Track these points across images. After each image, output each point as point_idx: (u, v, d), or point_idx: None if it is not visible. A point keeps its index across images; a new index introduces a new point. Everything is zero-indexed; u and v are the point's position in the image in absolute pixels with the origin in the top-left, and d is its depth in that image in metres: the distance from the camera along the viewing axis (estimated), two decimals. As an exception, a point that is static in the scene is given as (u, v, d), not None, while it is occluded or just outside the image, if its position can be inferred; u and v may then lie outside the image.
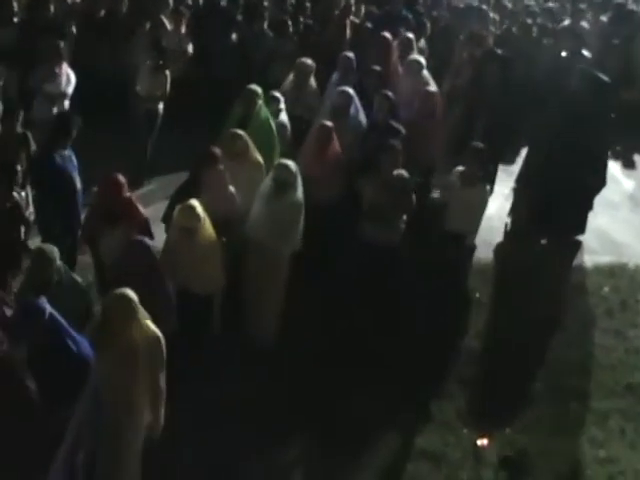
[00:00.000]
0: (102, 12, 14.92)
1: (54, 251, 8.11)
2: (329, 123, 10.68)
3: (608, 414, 9.78)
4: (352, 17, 15.61)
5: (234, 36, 15.09)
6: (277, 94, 11.50)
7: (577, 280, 12.28)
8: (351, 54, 12.83)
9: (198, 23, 15.28)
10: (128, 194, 9.22)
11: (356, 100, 11.46)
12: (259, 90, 11.06)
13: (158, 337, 7.33)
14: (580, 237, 12.97)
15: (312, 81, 12.42)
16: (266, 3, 15.92)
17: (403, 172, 10.30)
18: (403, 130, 11.18)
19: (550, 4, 18.05)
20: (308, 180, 9.91)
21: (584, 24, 17.22)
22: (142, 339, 7.23)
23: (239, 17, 15.36)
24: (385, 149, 10.48)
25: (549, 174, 12.31)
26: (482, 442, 9.21)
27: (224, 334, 9.70)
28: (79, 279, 8.53)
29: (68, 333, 7.46)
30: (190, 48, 14.82)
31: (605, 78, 12.61)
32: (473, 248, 11.05)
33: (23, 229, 9.78)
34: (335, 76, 12.67)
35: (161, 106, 13.29)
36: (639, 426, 9.66)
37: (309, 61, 12.38)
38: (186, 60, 14.76)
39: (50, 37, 13.15)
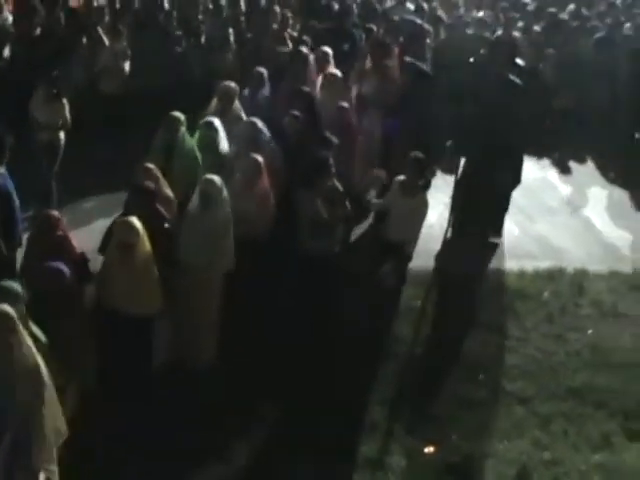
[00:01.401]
0: (38, 30, 14.83)
1: (15, 288, 7.67)
2: (258, 157, 10.34)
3: (551, 417, 9.88)
4: (290, 30, 15.66)
5: (172, 51, 15.00)
6: (214, 120, 11.06)
7: (517, 285, 12.39)
8: (262, 69, 12.78)
9: (136, 38, 15.22)
10: (62, 231, 8.90)
11: (264, 128, 11.15)
12: (182, 117, 10.78)
13: (37, 366, 6.94)
14: (499, 239, 13.33)
15: (237, 104, 12.00)
16: (201, 17, 15.93)
17: (336, 183, 10.43)
18: (335, 140, 11.22)
19: (482, 14, 18.20)
20: (238, 215, 9.84)
21: (516, 34, 17.42)
22: (19, 364, 6.88)
23: (177, 32, 15.27)
24: (317, 162, 10.54)
25: (465, 175, 12.69)
26: (428, 449, 9.24)
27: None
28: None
29: None
30: (127, 65, 14.76)
31: (516, 80, 12.87)
32: (410, 256, 11.07)
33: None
34: (246, 91, 12.62)
35: (62, 135, 12.64)
36: (582, 428, 9.77)
37: (232, 84, 12.02)
38: (123, 77, 14.68)
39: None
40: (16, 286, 7.67)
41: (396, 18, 16.66)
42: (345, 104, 12.23)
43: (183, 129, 10.74)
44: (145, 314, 8.95)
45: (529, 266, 12.80)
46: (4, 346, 6.82)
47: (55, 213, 9.04)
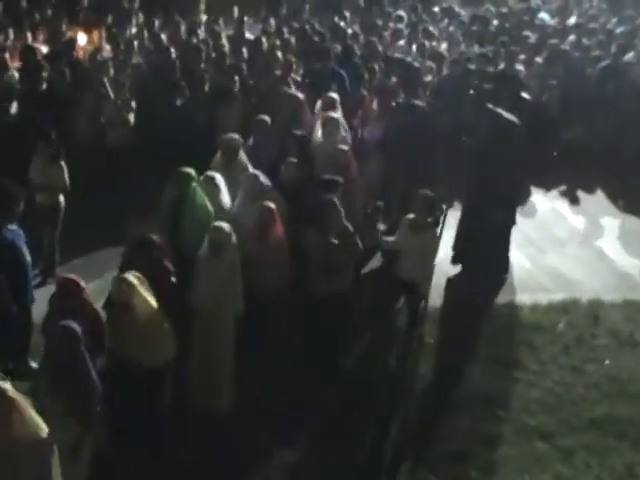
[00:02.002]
0: (44, 85, 14.94)
1: None
2: (270, 204, 10.33)
3: (573, 450, 9.79)
4: (293, 75, 15.72)
5: (177, 102, 15.06)
6: (215, 175, 11.04)
7: (531, 318, 12.32)
8: (266, 117, 12.75)
9: (140, 90, 15.33)
10: (82, 297, 8.80)
11: (265, 179, 11.13)
12: (192, 172, 10.66)
13: (42, 440, 6.83)
14: (505, 275, 13.26)
15: (242, 155, 11.91)
16: (203, 65, 15.99)
17: (346, 223, 10.45)
18: (341, 179, 11.21)
19: (484, 49, 18.23)
20: (250, 267, 9.85)
21: (519, 67, 17.47)
22: (24, 438, 6.76)
23: (181, 83, 15.28)
24: (325, 204, 10.53)
25: (465, 213, 12.78)
26: (450, 486, 9.20)
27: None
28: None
29: None
30: (131, 117, 14.85)
31: (510, 117, 12.86)
32: (427, 295, 11.06)
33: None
34: (251, 141, 12.61)
35: (62, 199, 12.38)
36: (604, 460, 9.68)
37: (235, 136, 11.97)
38: (128, 129, 14.76)
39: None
40: None
41: (396, 56, 16.71)
42: (344, 147, 12.23)
43: (194, 184, 10.60)
44: (155, 365, 8.89)
45: (542, 299, 12.74)
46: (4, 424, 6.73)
47: (75, 278, 8.87)
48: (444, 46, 18.51)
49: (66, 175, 12.29)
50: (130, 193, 12.98)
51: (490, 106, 13.33)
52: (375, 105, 14.45)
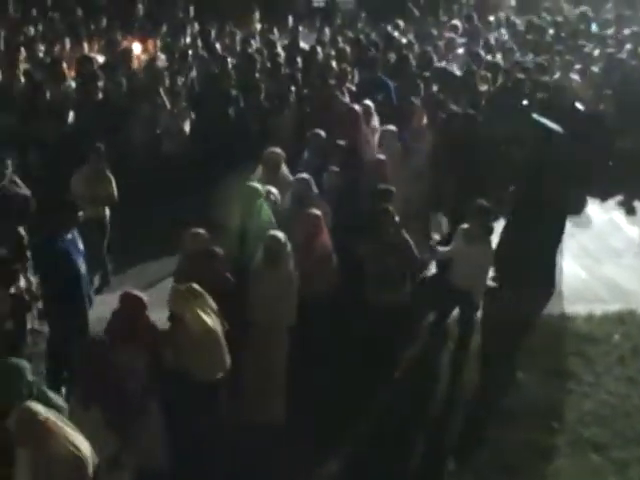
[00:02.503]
0: (100, 95, 15.11)
1: (23, 367, 7.59)
2: (316, 211, 10.36)
3: (627, 463, 9.69)
4: (348, 84, 15.74)
5: (232, 111, 15.12)
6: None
7: (586, 329, 12.20)
8: (321, 132, 12.65)
9: (195, 100, 15.45)
10: (145, 313, 8.74)
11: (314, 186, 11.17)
12: (259, 188, 10.65)
13: (79, 458, 6.83)
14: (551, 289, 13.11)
15: (283, 169, 11.92)
16: (258, 75, 16.02)
17: (402, 232, 10.43)
18: (393, 189, 11.20)
19: (539, 58, 18.12)
20: (300, 271, 9.82)
21: (574, 76, 17.35)
22: (60, 457, 6.75)
23: (234, 92, 15.36)
24: (380, 214, 10.51)
25: (509, 225, 12.73)
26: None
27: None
28: (54, 396, 7.86)
29: None
30: (187, 126, 14.95)
31: (554, 127, 12.76)
32: (478, 305, 11.02)
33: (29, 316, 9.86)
34: (306, 154, 12.60)
35: (107, 211, 12.50)
36: (659, 473, 9.58)
37: (277, 150, 11.91)
38: (183, 138, 14.87)
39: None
40: (25, 365, 7.61)
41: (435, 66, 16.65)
42: (382, 157, 12.16)
43: (261, 200, 10.59)
44: (209, 379, 8.85)
45: (598, 309, 12.59)
46: (38, 447, 6.71)
47: (139, 295, 8.79)
48: (499, 55, 18.38)
49: (114, 187, 12.37)
50: (185, 202, 13.03)
51: (535, 115, 13.26)
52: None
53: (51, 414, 6.79)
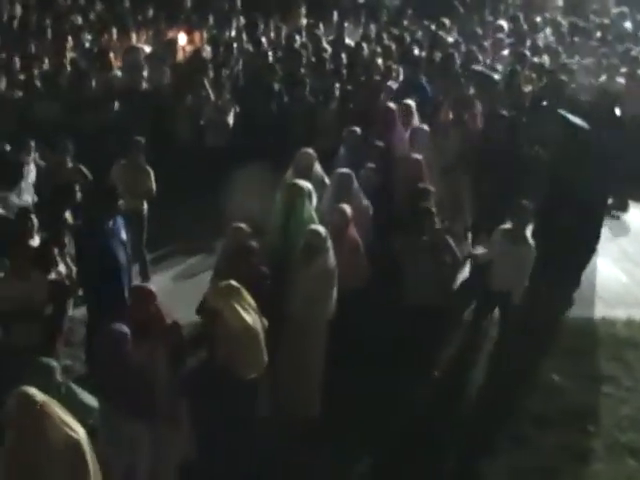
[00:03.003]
0: (144, 85, 15.20)
1: (52, 366, 7.66)
2: (346, 207, 10.31)
3: (664, 469, 9.63)
4: (392, 82, 15.75)
5: (276, 105, 15.13)
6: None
7: (626, 333, 12.13)
8: (357, 128, 12.64)
9: (239, 93, 15.50)
10: (156, 305, 8.42)
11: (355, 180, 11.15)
12: (302, 185, 10.53)
13: (77, 441, 6.65)
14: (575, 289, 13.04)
15: (317, 167, 11.83)
16: (302, 70, 16.05)
17: (446, 236, 10.43)
18: (433, 189, 11.19)
19: (585, 61, 18.00)
20: None
21: (620, 80, 17.21)
22: (57, 443, 6.59)
23: (277, 86, 15.37)
24: (423, 212, 10.50)
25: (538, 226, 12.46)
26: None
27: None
28: (86, 395, 7.94)
29: None
30: (230, 118, 14.99)
31: (580, 123, 12.74)
32: (517, 306, 10.97)
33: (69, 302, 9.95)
34: (342, 151, 12.59)
35: (145, 205, 12.46)
36: (696, 479, 9.50)
37: (310, 150, 11.78)
38: (227, 130, 14.91)
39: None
40: (53, 364, 7.68)
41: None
42: (419, 156, 12.02)
43: (303, 197, 10.50)
44: (247, 376, 8.63)
45: (638, 314, 12.50)
46: (37, 431, 6.55)
47: (147, 287, 8.73)
48: (545, 57, 18.25)
49: (152, 181, 12.39)
50: (227, 195, 13.05)
51: (562, 112, 13.22)
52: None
53: (47, 398, 6.67)
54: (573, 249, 12.60)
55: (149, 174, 12.40)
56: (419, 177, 11.67)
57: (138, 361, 7.83)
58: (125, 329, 7.72)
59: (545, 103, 15.19)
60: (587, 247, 13.12)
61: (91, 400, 7.79)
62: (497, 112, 13.65)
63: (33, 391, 6.58)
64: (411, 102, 13.82)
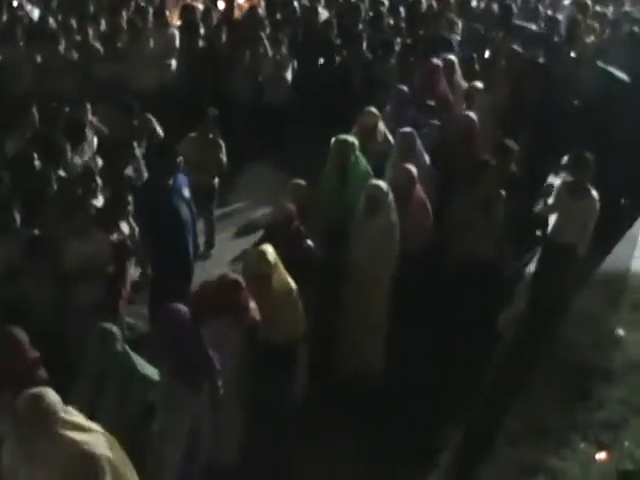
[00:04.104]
0: (201, 43, 15.21)
1: (112, 332, 7.32)
2: (411, 167, 10.13)
3: None
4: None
5: (333, 61, 15.02)
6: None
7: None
8: (404, 87, 12.47)
9: (297, 49, 15.44)
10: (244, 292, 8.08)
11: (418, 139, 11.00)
12: (354, 141, 10.47)
13: (91, 455, 6.04)
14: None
15: (381, 126, 11.62)
16: (361, 25, 15.90)
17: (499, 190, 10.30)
18: (516, 147, 10.99)
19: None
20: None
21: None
22: (67, 455, 6.00)
23: (337, 41, 15.26)
24: (480, 165, 10.39)
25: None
26: (600, 456, 9.04)
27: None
28: (145, 369, 7.50)
29: None
30: (289, 74, 14.94)
31: (620, 75, 12.67)
32: (582, 259, 10.87)
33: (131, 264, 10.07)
34: (388, 109, 12.40)
35: (216, 180, 12.24)
36: None
37: (373, 109, 11.59)
38: (286, 87, 14.87)
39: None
40: (115, 331, 7.34)
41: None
42: (472, 114, 11.76)
43: (356, 152, 10.47)
44: (288, 340, 8.61)
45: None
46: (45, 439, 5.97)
47: (238, 277, 8.18)
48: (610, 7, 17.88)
49: (224, 155, 12.11)
50: (287, 153, 13.03)
51: (600, 64, 13.02)
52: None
53: (63, 407, 6.04)
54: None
55: (221, 147, 12.08)
56: (469, 134, 11.46)
57: (207, 339, 7.70)
58: (185, 311, 7.46)
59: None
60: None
61: (152, 372, 7.47)
62: (534, 62, 13.43)
63: (49, 395, 5.96)
64: (453, 57, 13.65)
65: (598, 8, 17.34)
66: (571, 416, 9.57)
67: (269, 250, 8.38)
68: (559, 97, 12.93)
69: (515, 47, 13.68)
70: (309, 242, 9.24)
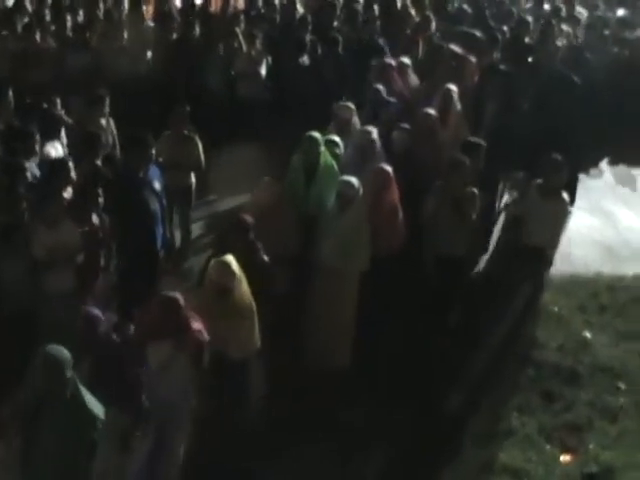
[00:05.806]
0: (174, 36, 15.14)
1: (63, 358, 6.71)
2: (386, 167, 10.13)
3: (695, 427, 9.57)
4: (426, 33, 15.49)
5: (305, 58, 14.83)
6: (336, 138, 10.94)
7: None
8: (380, 86, 12.39)
9: (271, 45, 15.36)
10: (183, 315, 7.81)
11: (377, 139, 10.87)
12: (319, 137, 10.48)
13: None
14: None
15: (355, 121, 11.65)
16: (336, 23, 15.87)
17: (472, 188, 10.29)
18: (484, 143, 11.04)
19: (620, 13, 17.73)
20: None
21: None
22: None
23: (309, 38, 15.08)
24: (452, 165, 10.32)
25: None
26: (565, 458, 9.09)
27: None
28: (92, 401, 6.91)
29: None
30: (263, 70, 14.87)
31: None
32: (551, 262, 10.92)
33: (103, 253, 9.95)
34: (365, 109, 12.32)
35: (193, 178, 11.89)
36: None
37: (348, 104, 11.67)
38: (260, 81, 14.78)
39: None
40: (66, 357, 6.71)
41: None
42: (431, 111, 11.56)
43: (322, 148, 10.48)
44: (240, 356, 8.52)
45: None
46: None
47: (178, 296, 7.82)
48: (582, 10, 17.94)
49: (200, 152, 11.77)
50: (259, 147, 12.98)
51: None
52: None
53: None
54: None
55: (197, 145, 11.72)
56: (431, 133, 11.34)
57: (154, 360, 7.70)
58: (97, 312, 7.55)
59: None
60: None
61: (97, 409, 6.89)
62: (495, 67, 13.48)
63: None
64: (407, 60, 13.62)
65: (578, 12, 17.39)
66: (537, 418, 9.61)
67: (232, 261, 8.21)
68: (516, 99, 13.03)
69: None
70: (264, 255, 9.03)
